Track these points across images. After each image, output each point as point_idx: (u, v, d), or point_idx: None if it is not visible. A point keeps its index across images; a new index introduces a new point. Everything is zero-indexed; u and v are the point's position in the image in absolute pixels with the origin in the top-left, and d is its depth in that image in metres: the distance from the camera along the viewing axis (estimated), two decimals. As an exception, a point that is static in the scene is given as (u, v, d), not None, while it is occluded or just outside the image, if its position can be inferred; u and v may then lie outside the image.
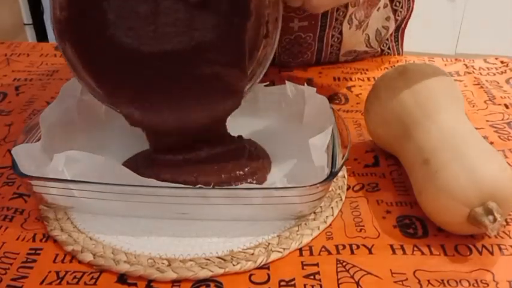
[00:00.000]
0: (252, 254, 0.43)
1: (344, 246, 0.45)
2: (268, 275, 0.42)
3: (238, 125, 0.57)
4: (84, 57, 0.48)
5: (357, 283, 0.41)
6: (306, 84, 0.56)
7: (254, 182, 0.51)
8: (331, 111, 0.52)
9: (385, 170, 0.54)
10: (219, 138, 0.53)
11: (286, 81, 0.58)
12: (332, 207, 0.48)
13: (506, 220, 0.47)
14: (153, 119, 0.50)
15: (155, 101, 0.49)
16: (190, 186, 0.44)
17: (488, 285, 0.41)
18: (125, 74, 0.49)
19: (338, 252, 0.44)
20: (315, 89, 0.55)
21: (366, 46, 0.78)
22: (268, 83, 0.59)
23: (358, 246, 0.45)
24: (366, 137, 0.59)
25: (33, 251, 0.44)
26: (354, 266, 0.43)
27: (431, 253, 0.44)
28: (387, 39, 0.82)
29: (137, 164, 0.52)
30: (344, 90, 0.71)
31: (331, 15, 0.71)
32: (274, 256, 0.43)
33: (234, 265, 0.42)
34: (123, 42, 0.46)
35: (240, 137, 0.55)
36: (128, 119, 0.50)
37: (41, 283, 0.41)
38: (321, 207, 0.48)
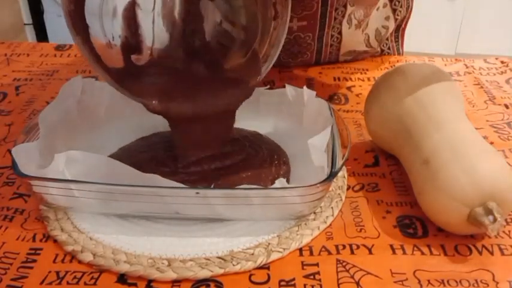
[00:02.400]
0: (252, 254, 0.43)
1: (344, 246, 0.45)
2: (268, 275, 0.42)
3: (239, 127, 0.57)
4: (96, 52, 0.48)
5: (357, 283, 0.41)
6: (305, 87, 0.56)
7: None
8: (331, 113, 0.52)
9: (385, 170, 0.54)
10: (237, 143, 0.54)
11: (286, 85, 0.58)
12: (332, 207, 0.48)
13: (506, 220, 0.47)
14: (171, 108, 0.50)
15: (173, 94, 0.50)
16: (191, 186, 0.44)
17: (488, 285, 0.41)
18: (142, 69, 0.49)
19: (338, 252, 0.44)
20: (315, 92, 0.55)
21: (366, 46, 0.78)
22: (269, 86, 0.59)
23: (358, 246, 0.45)
24: (366, 137, 0.59)
25: (33, 251, 0.44)
26: (354, 266, 0.43)
27: (431, 253, 0.44)
28: (387, 39, 0.82)
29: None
30: (344, 90, 0.71)
31: (330, 14, 0.71)
32: (274, 256, 0.43)
33: (234, 265, 0.42)
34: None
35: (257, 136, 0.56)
36: (145, 106, 0.50)
37: (41, 283, 0.41)
38: (321, 207, 0.48)
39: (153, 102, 0.50)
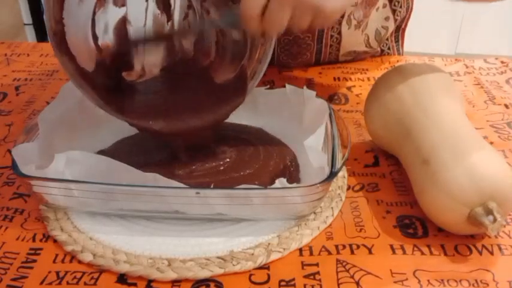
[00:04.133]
0: (252, 254, 0.43)
1: (344, 246, 0.45)
2: (268, 275, 0.42)
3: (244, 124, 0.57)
4: (84, 72, 0.48)
5: (357, 283, 0.41)
6: (305, 87, 0.56)
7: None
8: (331, 113, 0.52)
9: (385, 170, 0.54)
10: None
11: (286, 85, 0.58)
12: (332, 207, 0.48)
13: (506, 220, 0.47)
14: (154, 126, 0.51)
15: (159, 113, 0.51)
16: (192, 186, 0.44)
17: (488, 285, 0.41)
18: (131, 90, 0.50)
19: (338, 252, 0.44)
20: (315, 92, 0.55)
21: (366, 46, 0.78)
22: (268, 86, 0.59)
23: (358, 246, 0.45)
24: (366, 137, 0.59)
25: (33, 251, 0.44)
26: (354, 266, 0.43)
27: (431, 253, 0.44)
28: (387, 39, 0.82)
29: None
30: (344, 90, 0.71)
31: None
32: (274, 256, 0.43)
33: (234, 265, 0.42)
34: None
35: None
36: (128, 122, 0.50)
37: (41, 283, 0.41)
38: (321, 207, 0.48)
39: (150, 122, 0.50)
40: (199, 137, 0.53)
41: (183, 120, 0.51)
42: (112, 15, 0.51)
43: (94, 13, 0.50)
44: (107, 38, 0.51)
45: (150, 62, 0.53)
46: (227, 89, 0.52)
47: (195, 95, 0.53)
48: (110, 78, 0.51)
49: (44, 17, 0.46)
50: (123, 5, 0.52)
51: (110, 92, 0.50)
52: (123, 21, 0.52)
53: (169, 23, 0.54)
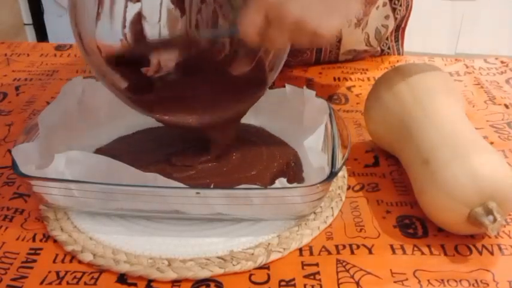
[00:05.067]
0: (252, 254, 0.43)
1: (344, 246, 0.45)
2: (268, 275, 0.42)
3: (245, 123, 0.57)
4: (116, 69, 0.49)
5: (357, 283, 0.41)
6: (305, 87, 0.56)
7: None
8: (331, 113, 0.52)
9: (385, 170, 0.54)
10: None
11: (286, 84, 0.58)
12: (332, 207, 0.48)
13: (506, 220, 0.47)
14: (185, 120, 0.51)
15: (189, 108, 0.51)
16: (192, 186, 0.44)
17: (488, 285, 0.41)
18: (149, 82, 0.50)
19: (338, 252, 0.44)
20: (315, 91, 0.55)
21: (366, 45, 0.78)
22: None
23: (358, 246, 0.45)
24: (366, 137, 0.59)
25: (33, 251, 0.44)
26: (354, 266, 0.43)
27: (431, 253, 0.44)
28: (387, 39, 0.82)
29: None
30: (344, 90, 0.71)
31: None
32: (274, 256, 0.43)
33: (234, 265, 0.42)
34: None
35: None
36: (159, 121, 0.51)
37: (41, 283, 0.41)
38: (321, 207, 0.48)
39: (164, 116, 0.50)
40: (223, 133, 0.53)
41: (205, 114, 0.51)
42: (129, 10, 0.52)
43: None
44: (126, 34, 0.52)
45: (165, 57, 0.54)
46: (247, 82, 0.52)
47: (214, 88, 0.52)
48: (131, 74, 0.51)
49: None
50: (138, 0, 0.52)
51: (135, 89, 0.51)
52: (139, 17, 0.52)
53: (183, 18, 0.54)
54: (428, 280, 0.41)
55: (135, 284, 0.41)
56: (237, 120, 0.53)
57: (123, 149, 0.55)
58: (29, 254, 0.44)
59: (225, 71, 0.53)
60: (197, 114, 0.51)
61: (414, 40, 1.28)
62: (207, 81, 0.53)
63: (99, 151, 0.54)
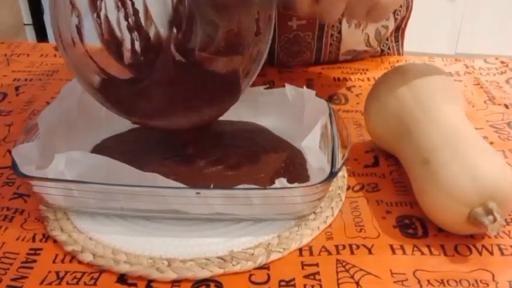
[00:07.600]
0: (252, 254, 0.43)
1: (344, 246, 0.45)
2: (268, 275, 0.42)
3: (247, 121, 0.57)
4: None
5: (357, 283, 0.41)
6: (305, 87, 0.56)
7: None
8: (331, 113, 0.52)
9: (385, 170, 0.54)
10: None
11: (286, 84, 0.58)
12: (332, 207, 0.48)
13: (506, 220, 0.47)
14: (167, 124, 0.51)
15: (168, 111, 0.51)
16: (192, 186, 0.44)
17: (488, 285, 0.41)
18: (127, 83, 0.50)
19: (338, 252, 0.44)
20: (315, 91, 0.55)
21: (366, 45, 0.78)
22: (268, 85, 0.59)
23: (358, 246, 0.45)
24: (366, 137, 0.59)
25: (33, 251, 0.44)
26: (354, 266, 0.43)
27: (431, 253, 0.44)
28: (387, 39, 0.82)
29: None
30: (344, 90, 0.71)
31: None
32: (274, 256, 0.43)
33: (234, 265, 0.42)
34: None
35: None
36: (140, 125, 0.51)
37: (41, 283, 0.41)
38: (321, 207, 0.48)
39: (135, 118, 0.51)
40: (199, 134, 0.53)
41: (177, 117, 0.51)
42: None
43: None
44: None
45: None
46: (220, 87, 0.52)
47: (186, 91, 0.52)
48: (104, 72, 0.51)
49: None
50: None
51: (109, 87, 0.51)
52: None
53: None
54: (428, 280, 0.41)
55: (135, 284, 0.41)
56: (210, 124, 0.53)
57: (123, 146, 0.54)
58: (28, 254, 0.44)
59: (198, 73, 0.52)
60: (168, 117, 0.51)
61: (414, 40, 1.28)
62: (179, 83, 0.52)
63: (97, 148, 0.54)
